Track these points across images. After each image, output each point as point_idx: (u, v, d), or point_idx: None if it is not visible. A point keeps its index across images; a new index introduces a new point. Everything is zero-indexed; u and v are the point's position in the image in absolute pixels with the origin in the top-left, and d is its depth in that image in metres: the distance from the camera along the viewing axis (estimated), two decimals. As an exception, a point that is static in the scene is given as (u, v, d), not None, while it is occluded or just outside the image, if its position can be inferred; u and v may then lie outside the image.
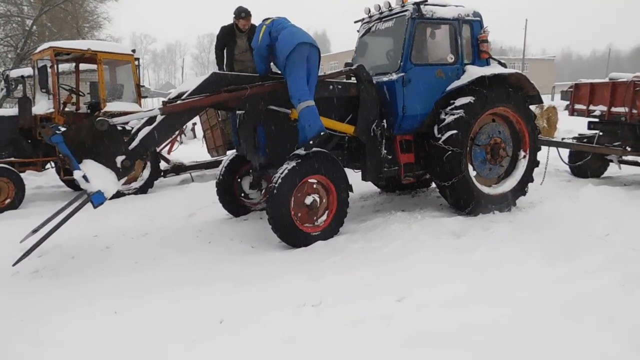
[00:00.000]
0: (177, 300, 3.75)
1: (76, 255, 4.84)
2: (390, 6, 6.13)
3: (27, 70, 10.55)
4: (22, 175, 7.62)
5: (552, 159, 8.23)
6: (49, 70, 7.87)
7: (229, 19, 6.81)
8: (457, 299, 3.52)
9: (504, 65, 6.49)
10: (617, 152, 7.79)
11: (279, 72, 5.50)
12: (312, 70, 5.18)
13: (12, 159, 7.79)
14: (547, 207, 6.13)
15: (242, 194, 6.47)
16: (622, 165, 8.35)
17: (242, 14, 6.35)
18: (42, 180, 9.69)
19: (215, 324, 3.38)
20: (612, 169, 8.73)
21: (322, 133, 5.07)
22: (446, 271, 4.06)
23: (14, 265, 4.21)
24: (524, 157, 6.36)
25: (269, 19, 5.39)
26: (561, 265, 4.08)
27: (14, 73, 10.79)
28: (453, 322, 3.20)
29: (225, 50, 6.91)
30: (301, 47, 5.06)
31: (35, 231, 4.68)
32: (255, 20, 6.21)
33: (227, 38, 6.72)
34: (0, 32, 19.46)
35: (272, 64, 5.49)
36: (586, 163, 8.44)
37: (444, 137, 5.69)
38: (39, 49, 8.48)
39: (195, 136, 17.83)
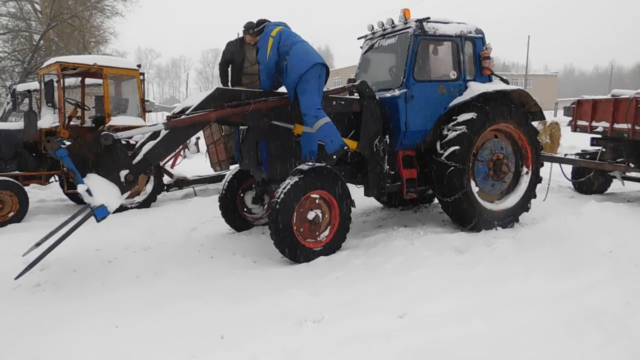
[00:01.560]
0: (178, 315, 3.74)
1: (78, 269, 4.84)
2: (393, 23, 6.20)
3: (33, 85, 10.64)
4: (25, 188, 7.66)
5: (555, 175, 8.23)
6: (55, 84, 7.95)
7: (233, 34, 6.91)
8: (459, 315, 3.50)
9: (505, 81, 6.53)
10: (620, 168, 7.79)
11: (282, 88, 5.55)
12: (320, 89, 5.26)
13: (17, 172, 7.83)
14: (550, 223, 6.11)
15: (245, 209, 6.48)
16: (625, 182, 8.34)
17: (250, 30, 6.45)
18: (45, 194, 9.73)
19: (216, 339, 3.37)
20: (616, 185, 8.72)
21: (345, 147, 5.24)
22: (448, 287, 4.04)
23: (16, 278, 4.21)
24: (527, 173, 6.36)
25: (273, 28, 5.34)
26: (564, 282, 4.06)
27: (21, 87, 10.90)
28: (454, 338, 3.18)
29: (230, 66, 6.99)
30: (317, 67, 5.13)
31: (38, 245, 4.68)
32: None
33: (234, 53, 6.79)
34: (8, 46, 19.72)
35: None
36: (589, 179, 8.44)
37: (446, 153, 5.71)
38: (45, 64, 8.56)
39: (198, 150, 17.91)
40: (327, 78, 5.36)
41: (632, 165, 7.68)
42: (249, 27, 6.49)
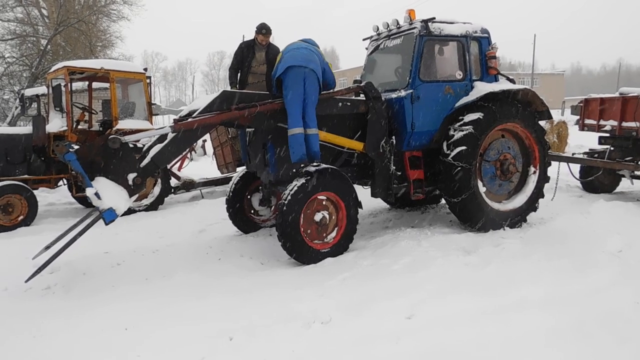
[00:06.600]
0: (187, 317, 3.75)
1: (87, 272, 4.87)
2: (398, 24, 6.19)
3: (41, 89, 10.74)
4: (34, 192, 7.72)
5: (563, 174, 8.18)
6: (63, 89, 8.02)
7: (239, 37, 6.95)
8: (467, 316, 3.50)
9: (512, 81, 6.50)
10: (629, 167, 7.72)
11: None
12: (308, 94, 5.23)
13: (26, 176, 7.90)
14: (558, 223, 6.08)
15: (252, 211, 6.49)
16: (634, 180, 8.28)
17: (262, 30, 6.57)
18: (54, 197, 9.81)
19: (224, 340, 3.38)
20: (624, 184, 8.66)
21: (302, 165, 5.17)
22: (456, 288, 4.03)
23: (26, 281, 4.25)
24: (534, 172, 6.33)
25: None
26: (573, 283, 4.04)
27: (29, 92, 10.99)
28: (462, 340, 3.17)
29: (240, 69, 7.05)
30: (293, 70, 5.16)
31: (47, 248, 4.73)
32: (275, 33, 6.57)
33: (245, 54, 6.87)
34: (16, 51, 19.89)
35: None
36: (597, 178, 8.37)
37: (453, 153, 5.70)
38: (53, 68, 8.64)
39: (205, 153, 17.97)
40: (320, 83, 5.34)
41: (641, 164, 7.61)
42: (261, 28, 6.61)
